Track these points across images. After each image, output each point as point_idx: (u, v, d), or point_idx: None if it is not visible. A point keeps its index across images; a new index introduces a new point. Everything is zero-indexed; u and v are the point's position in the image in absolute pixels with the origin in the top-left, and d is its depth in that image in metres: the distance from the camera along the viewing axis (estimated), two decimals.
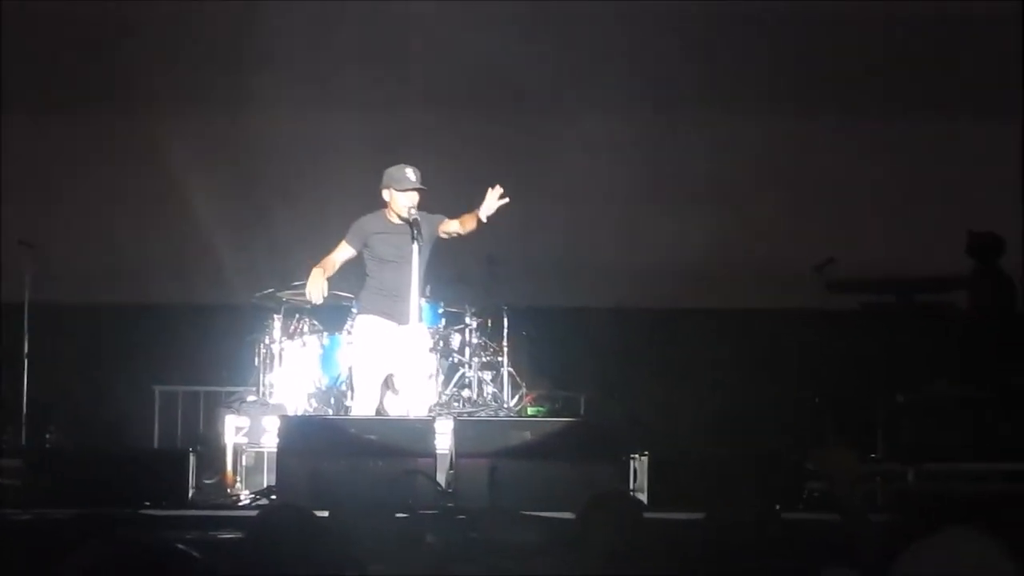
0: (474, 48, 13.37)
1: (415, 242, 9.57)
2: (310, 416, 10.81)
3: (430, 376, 10.65)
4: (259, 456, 10.68)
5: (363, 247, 9.85)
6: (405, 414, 9.66)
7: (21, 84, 13.27)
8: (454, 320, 11.46)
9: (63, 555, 3.01)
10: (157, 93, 13.45)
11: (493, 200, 9.58)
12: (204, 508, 9.24)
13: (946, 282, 11.62)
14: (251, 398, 11.36)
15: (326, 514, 5.37)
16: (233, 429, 10.82)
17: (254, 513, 6.72)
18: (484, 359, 11.56)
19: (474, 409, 11.22)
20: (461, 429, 9.49)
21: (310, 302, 9.99)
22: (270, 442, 10.24)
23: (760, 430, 12.39)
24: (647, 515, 5.09)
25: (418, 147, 11.88)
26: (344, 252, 9.94)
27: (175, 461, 9.66)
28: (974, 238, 11.50)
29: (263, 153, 13.34)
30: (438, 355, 11.09)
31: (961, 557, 2.84)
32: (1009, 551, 2.86)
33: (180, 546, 3.07)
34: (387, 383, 10.00)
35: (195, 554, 3.02)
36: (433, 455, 9.21)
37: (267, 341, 11.44)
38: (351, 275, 10.36)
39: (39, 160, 13.49)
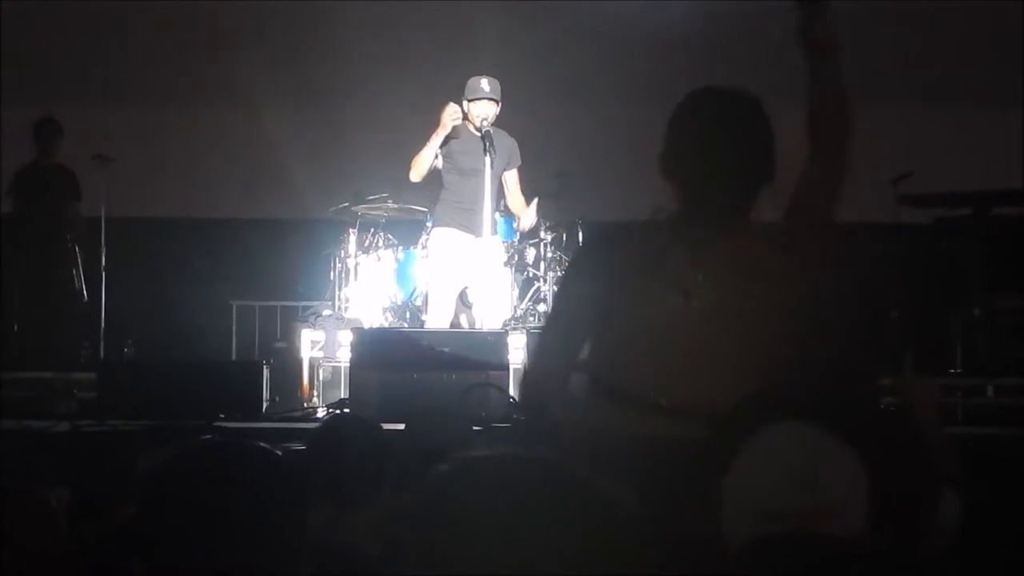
0: None
1: (487, 155, 9.56)
2: (383, 329, 10.81)
3: (504, 290, 10.64)
4: (335, 370, 10.74)
5: (445, 155, 9.86)
6: (479, 327, 9.67)
7: None
8: (529, 234, 11.43)
9: (138, 466, 2.99)
10: (235, 6, 13.46)
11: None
12: (278, 421, 9.29)
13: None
14: (326, 312, 11.40)
15: (400, 426, 5.41)
16: (309, 343, 10.88)
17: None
18: (559, 273, 11.52)
19: None
20: (534, 343, 9.47)
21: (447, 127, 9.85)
22: (345, 356, 10.27)
23: (837, 344, 12.30)
24: None
25: (494, 56, 11.81)
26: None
27: (249, 374, 9.70)
28: None
29: (339, 67, 13.33)
30: (512, 269, 11.06)
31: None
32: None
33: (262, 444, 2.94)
34: (462, 297, 10.01)
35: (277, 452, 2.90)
36: (506, 368, 9.22)
37: (342, 255, 11.45)
38: (427, 188, 10.35)
39: (114, 74, 13.55)
